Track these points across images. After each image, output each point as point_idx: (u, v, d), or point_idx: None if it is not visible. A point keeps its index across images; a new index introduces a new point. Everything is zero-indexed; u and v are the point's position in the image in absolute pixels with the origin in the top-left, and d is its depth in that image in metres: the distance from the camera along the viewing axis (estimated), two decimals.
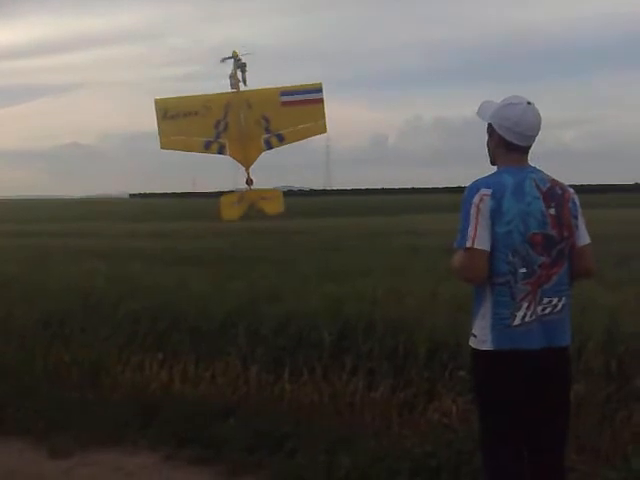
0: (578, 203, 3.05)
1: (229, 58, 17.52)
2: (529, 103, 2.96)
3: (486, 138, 3.09)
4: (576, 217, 3.01)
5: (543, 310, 2.91)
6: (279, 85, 18.59)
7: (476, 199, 2.89)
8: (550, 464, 3.05)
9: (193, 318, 6.11)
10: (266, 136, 17.19)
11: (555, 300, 2.93)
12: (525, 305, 2.89)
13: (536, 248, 2.89)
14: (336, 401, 4.93)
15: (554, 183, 3.00)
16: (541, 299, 2.90)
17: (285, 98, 17.48)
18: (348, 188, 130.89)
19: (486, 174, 3.04)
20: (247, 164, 16.81)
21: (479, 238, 2.87)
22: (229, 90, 18.14)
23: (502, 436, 3.00)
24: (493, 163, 3.07)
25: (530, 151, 3.02)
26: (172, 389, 5.48)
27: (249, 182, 16.70)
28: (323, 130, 17.48)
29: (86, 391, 5.65)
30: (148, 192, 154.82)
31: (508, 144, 2.97)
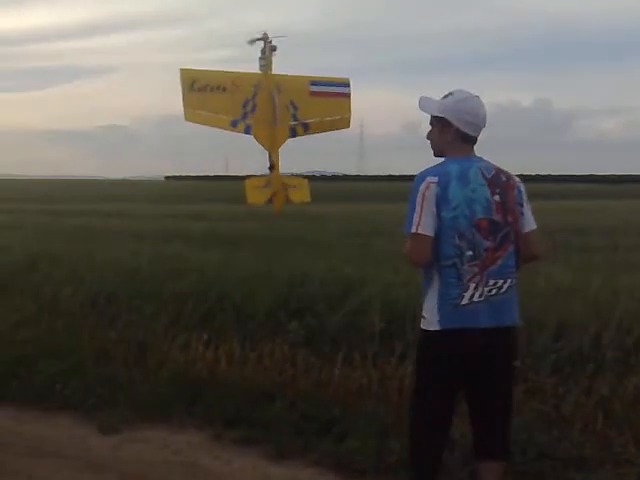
0: (524, 191, 3.20)
1: (259, 39, 17.24)
2: (477, 96, 3.17)
3: (427, 131, 3.26)
4: (521, 204, 3.15)
5: (489, 291, 3.06)
6: (309, 73, 18.42)
7: (422, 187, 3.06)
8: (494, 438, 3.22)
9: (239, 298, 6.10)
10: (292, 123, 16.95)
11: (500, 282, 3.07)
12: (473, 286, 3.04)
13: (482, 232, 3.05)
14: (385, 386, 4.87)
15: (499, 171, 3.15)
16: (487, 281, 3.06)
17: (314, 88, 17.29)
18: (382, 174, 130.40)
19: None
20: (272, 148, 16.53)
21: (423, 224, 3.03)
22: (258, 71, 17.76)
23: (434, 411, 3.19)
24: (440, 155, 3.23)
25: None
26: (218, 369, 5.48)
27: (272, 167, 16.33)
28: (347, 125, 17.31)
29: (132, 369, 5.70)
30: (183, 175, 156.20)
31: (464, 136, 3.14)
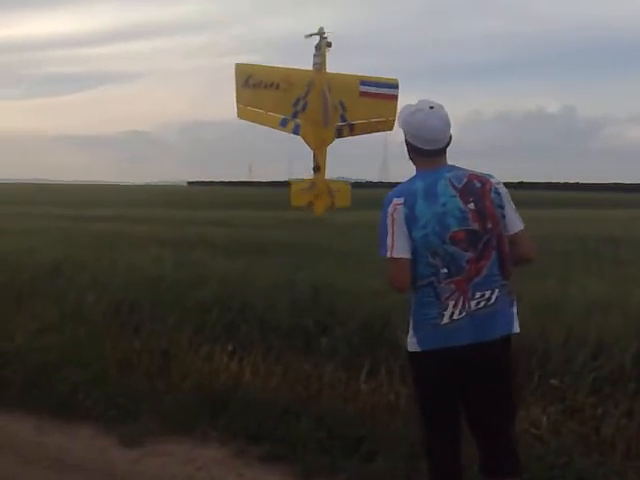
0: (503, 192, 3.06)
1: (314, 34, 16.95)
2: (432, 107, 3.04)
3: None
4: (502, 207, 3.02)
5: (477, 304, 2.95)
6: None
7: (390, 209, 3.00)
8: (498, 456, 3.10)
9: (262, 309, 5.97)
10: (340, 124, 16.64)
11: (488, 293, 2.96)
12: (452, 304, 2.94)
13: (460, 244, 2.94)
14: (413, 404, 4.70)
15: (472, 177, 3.04)
16: (473, 294, 2.95)
17: (363, 88, 16.96)
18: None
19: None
20: (319, 149, 16.23)
21: (397, 247, 2.97)
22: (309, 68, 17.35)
23: (436, 430, 3.11)
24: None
25: (447, 150, 3.08)
26: (241, 381, 5.36)
27: (316, 169, 15.99)
28: (391, 128, 16.92)
29: (155, 379, 5.60)
30: (206, 180, 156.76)
31: (417, 149, 3.07)
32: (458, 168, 3.10)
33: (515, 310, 3.06)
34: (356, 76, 17.30)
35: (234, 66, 16.05)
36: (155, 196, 51.94)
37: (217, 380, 5.41)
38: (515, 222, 3.07)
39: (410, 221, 2.97)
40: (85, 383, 5.51)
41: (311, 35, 16.78)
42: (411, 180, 3.10)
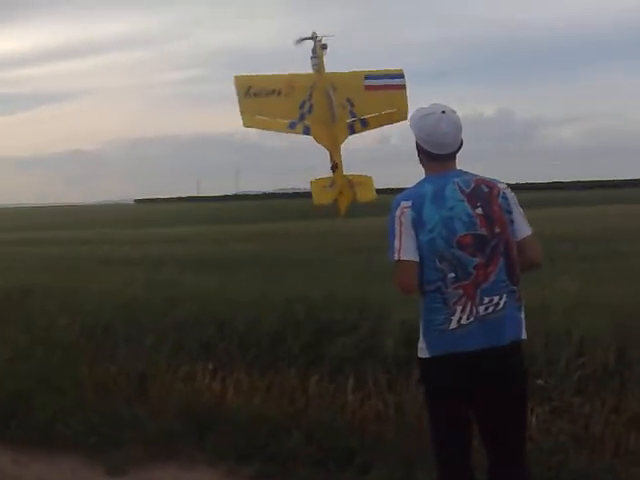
0: (511, 197, 3.06)
1: (307, 39, 16.87)
2: (443, 112, 3.04)
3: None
4: (510, 212, 3.02)
5: (485, 310, 2.93)
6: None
7: (398, 212, 3.00)
8: (507, 461, 3.06)
9: (241, 326, 5.89)
10: (351, 120, 16.55)
11: (496, 298, 2.94)
12: (459, 309, 2.93)
13: (467, 249, 2.93)
14: (403, 412, 4.71)
15: (479, 182, 3.04)
16: (481, 299, 2.93)
17: (369, 82, 16.90)
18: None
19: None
20: (333, 148, 16.11)
21: (405, 250, 2.96)
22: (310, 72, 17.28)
23: (446, 436, 3.08)
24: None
25: (457, 155, 3.09)
26: (225, 400, 5.29)
27: (334, 168, 15.82)
28: (404, 117, 16.75)
29: (135, 403, 5.47)
30: (153, 197, 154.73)
31: (427, 153, 3.07)
32: (466, 173, 3.10)
33: (523, 316, 3.05)
34: (360, 72, 17.26)
35: (233, 78, 15.94)
36: (103, 215, 50.72)
37: (200, 400, 5.32)
38: (523, 227, 3.06)
39: (417, 224, 2.96)
40: (63, 411, 5.36)
41: (302, 40, 16.68)
42: (420, 184, 3.10)
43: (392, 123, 16.69)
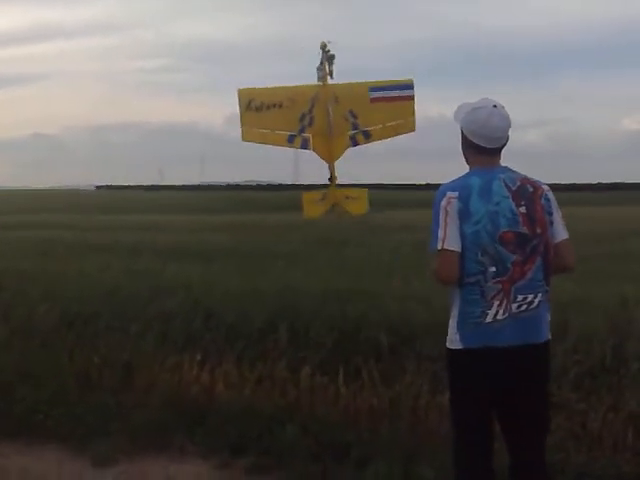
0: (552, 199, 3.09)
1: (322, 52, 16.56)
2: (495, 106, 3.05)
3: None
4: (550, 213, 3.05)
5: (518, 307, 2.94)
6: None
7: (444, 202, 2.98)
8: (530, 460, 3.08)
9: (229, 317, 5.81)
10: (352, 132, 16.28)
11: (530, 297, 2.96)
12: (497, 303, 2.93)
13: (508, 246, 2.94)
14: (397, 405, 4.68)
15: (525, 181, 3.05)
16: (515, 297, 2.94)
17: (374, 94, 16.67)
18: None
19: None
20: (331, 160, 15.89)
21: (448, 239, 2.95)
22: (314, 83, 16.95)
23: (470, 432, 3.06)
24: (468, 164, 3.16)
25: (502, 152, 3.10)
26: (214, 392, 5.19)
27: (332, 180, 15.63)
28: (412, 128, 16.62)
29: (120, 394, 5.34)
30: (115, 184, 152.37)
31: (476, 146, 3.07)
32: (512, 170, 3.10)
33: (549, 317, 3.07)
34: (365, 83, 17.08)
35: (237, 91, 15.66)
36: (65, 200, 49.33)
37: (188, 392, 5.22)
38: (561, 231, 3.08)
39: (463, 215, 2.95)
40: (44, 402, 5.19)
41: (322, 63, 16.29)
42: (466, 176, 3.09)
43: (399, 134, 16.62)
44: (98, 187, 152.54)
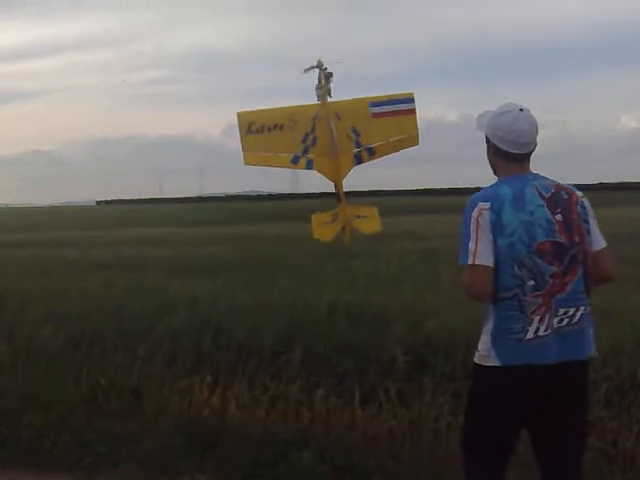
0: (588, 206, 2.96)
1: (314, 67, 16.43)
2: (521, 110, 2.91)
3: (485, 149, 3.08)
4: (587, 221, 2.92)
5: (560, 322, 2.80)
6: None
7: (475, 213, 2.84)
8: (569, 476, 2.95)
9: (240, 334, 5.61)
10: (356, 150, 16.10)
11: (572, 310, 2.82)
12: (537, 318, 2.78)
13: (545, 257, 2.80)
14: (417, 428, 4.48)
15: (559, 188, 2.92)
16: (556, 310, 2.80)
17: (375, 109, 16.43)
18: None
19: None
20: (337, 180, 15.70)
21: (480, 254, 2.80)
22: (313, 102, 16.81)
23: (492, 445, 2.93)
24: (495, 173, 3.04)
25: (531, 157, 2.97)
26: (226, 416, 5.00)
27: (341, 199, 15.42)
28: (415, 142, 16.41)
29: (128, 420, 5.15)
30: (115, 199, 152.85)
31: (504, 153, 2.93)
32: (543, 177, 2.97)
33: (592, 331, 2.92)
34: (365, 98, 16.86)
35: (236, 115, 15.51)
36: (65, 217, 49.08)
37: (199, 416, 5.03)
38: (599, 238, 2.95)
39: (496, 227, 2.80)
40: (52, 428, 5.01)
41: (309, 69, 16.25)
42: (497, 185, 2.94)
43: (402, 149, 16.44)
44: (98, 202, 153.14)
